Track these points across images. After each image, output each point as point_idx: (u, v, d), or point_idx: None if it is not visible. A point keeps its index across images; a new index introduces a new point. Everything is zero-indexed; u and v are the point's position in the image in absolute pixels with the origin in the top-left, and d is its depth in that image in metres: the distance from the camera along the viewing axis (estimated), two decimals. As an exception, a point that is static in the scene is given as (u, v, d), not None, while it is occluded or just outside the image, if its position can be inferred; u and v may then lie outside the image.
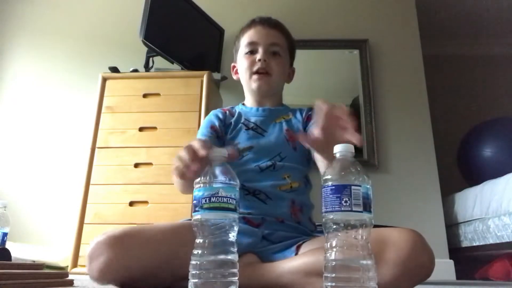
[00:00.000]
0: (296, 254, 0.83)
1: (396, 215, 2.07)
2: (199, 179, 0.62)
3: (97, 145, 1.84)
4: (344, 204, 0.54)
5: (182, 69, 2.06)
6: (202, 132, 1.07)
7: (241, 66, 1.12)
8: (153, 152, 1.81)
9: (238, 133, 1.08)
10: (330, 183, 0.56)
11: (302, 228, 0.95)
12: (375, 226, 0.62)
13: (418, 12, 2.55)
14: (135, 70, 1.99)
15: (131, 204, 1.73)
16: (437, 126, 2.41)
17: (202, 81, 1.90)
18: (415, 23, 2.51)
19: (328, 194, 0.56)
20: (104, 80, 1.95)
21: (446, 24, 3.13)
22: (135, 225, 0.79)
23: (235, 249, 0.61)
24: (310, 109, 1.09)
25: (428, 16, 2.82)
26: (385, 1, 2.57)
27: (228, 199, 0.60)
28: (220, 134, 1.07)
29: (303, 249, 0.84)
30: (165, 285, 0.78)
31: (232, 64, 1.21)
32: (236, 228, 0.62)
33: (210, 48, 2.31)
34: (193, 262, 0.59)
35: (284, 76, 1.14)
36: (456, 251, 2.16)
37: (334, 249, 0.54)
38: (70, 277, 0.84)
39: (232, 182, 0.62)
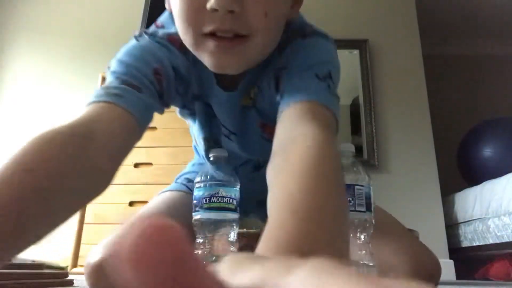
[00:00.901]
0: None
1: (395, 215, 2.06)
2: (199, 178, 0.62)
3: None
4: (348, 203, 0.54)
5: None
6: (128, 73, 0.53)
7: (176, 14, 0.53)
8: (153, 152, 1.81)
9: (207, 118, 0.68)
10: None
11: None
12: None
13: (418, 12, 2.55)
14: (135, 70, 1.98)
15: (131, 204, 1.73)
16: (437, 126, 2.41)
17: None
18: (415, 23, 2.51)
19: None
20: (104, 80, 1.95)
21: (446, 24, 3.13)
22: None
23: (235, 249, 0.61)
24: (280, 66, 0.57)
25: (428, 16, 2.82)
26: (385, 1, 2.57)
27: (228, 199, 0.60)
28: (163, 94, 0.57)
29: None
30: None
31: None
32: (236, 228, 0.62)
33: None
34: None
35: (281, 25, 0.55)
36: (456, 251, 2.16)
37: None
38: (70, 277, 0.84)
39: (232, 182, 0.62)
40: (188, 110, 0.70)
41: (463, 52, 3.31)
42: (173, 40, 0.58)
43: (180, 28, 0.53)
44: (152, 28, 0.61)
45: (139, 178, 1.77)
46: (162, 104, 0.59)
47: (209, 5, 0.47)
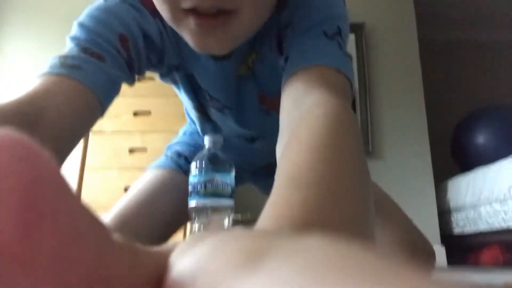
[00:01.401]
0: None
1: (389, 201, 2.09)
2: (194, 165, 0.62)
3: (91, 130, 1.83)
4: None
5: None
6: (90, 39, 0.46)
7: None
8: (148, 137, 1.80)
9: (192, 89, 0.62)
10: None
11: None
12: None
13: (416, -2, 2.53)
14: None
15: (126, 189, 1.73)
16: (432, 113, 2.42)
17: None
18: (412, 8, 2.49)
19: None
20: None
21: (443, 10, 3.11)
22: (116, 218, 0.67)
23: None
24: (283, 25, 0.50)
25: (425, 1, 2.79)
26: (382, -14, 2.54)
27: (224, 185, 0.60)
28: (133, 62, 0.50)
29: None
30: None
31: None
32: (231, 214, 0.62)
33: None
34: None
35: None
36: (448, 238, 2.19)
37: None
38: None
39: (227, 168, 0.62)
40: (168, 80, 0.62)
41: (459, 38, 3.30)
42: (146, 1, 0.50)
43: (161, 9, 0.44)
44: None
45: (134, 163, 1.77)
46: (132, 74, 0.51)
47: None
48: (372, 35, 2.44)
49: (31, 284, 0.08)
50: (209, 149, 0.64)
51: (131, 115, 1.83)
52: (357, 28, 2.42)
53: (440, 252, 2.03)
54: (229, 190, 0.61)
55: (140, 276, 0.12)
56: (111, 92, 0.47)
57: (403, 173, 2.20)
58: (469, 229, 2.09)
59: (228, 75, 0.57)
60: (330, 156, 0.28)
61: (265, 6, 0.45)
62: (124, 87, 0.50)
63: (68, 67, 0.42)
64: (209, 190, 0.60)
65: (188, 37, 0.44)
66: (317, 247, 0.09)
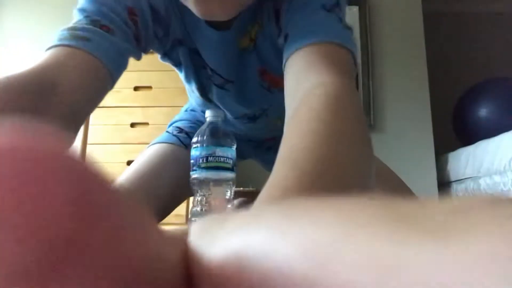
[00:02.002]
0: None
1: (390, 174, 2.10)
2: (196, 139, 0.63)
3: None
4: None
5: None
6: (98, 12, 0.46)
7: None
8: (149, 111, 1.80)
9: (195, 68, 0.62)
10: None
11: None
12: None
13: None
14: (129, 27, 1.94)
15: (129, 163, 1.75)
16: (435, 86, 2.40)
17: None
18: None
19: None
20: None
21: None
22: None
23: (232, 207, 0.63)
24: None
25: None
26: (386, -46, 2.47)
27: (225, 158, 0.61)
28: (140, 36, 0.51)
29: None
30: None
31: None
32: (233, 187, 0.63)
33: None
34: (193, 218, 0.61)
35: None
36: (447, 209, 2.22)
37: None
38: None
39: (229, 142, 0.63)
40: (170, 60, 0.62)
41: (463, 10, 3.23)
42: None
43: None
44: None
45: (136, 137, 1.78)
46: (139, 49, 0.52)
47: None
48: (375, 7, 2.40)
49: (86, 272, 0.08)
50: (210, 122, 0.64)
51: (132, 89, 1.83)
52: (361, 0, 2.37)
53: (439, 223, 2.06)
54: (230, 163, 0.62)
55: (171, 264, 0.12)
56: (120, 65, 0.47)
57: (404, 146, 2.21)
58: (468, 200, 2.11)
59: (229, 46, 0.57)
60: (329, 138, 0.28)
61: None
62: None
63: (79, 39, 0.42)
64: (211, 163, 0.61)
65: (192, 5, 0.44)
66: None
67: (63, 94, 0.38)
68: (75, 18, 0.46)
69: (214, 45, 0.57)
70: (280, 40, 0.49)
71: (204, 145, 0.61)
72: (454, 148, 2.33)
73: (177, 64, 0.63)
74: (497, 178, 1.90)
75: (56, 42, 0.42)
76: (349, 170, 0.26)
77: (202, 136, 0.62)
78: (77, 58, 0.41)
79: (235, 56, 0.58)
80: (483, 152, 2.02)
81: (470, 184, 2.09)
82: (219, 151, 0.61)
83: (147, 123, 1.79)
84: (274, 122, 0.71)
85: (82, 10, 0.46)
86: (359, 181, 0.27)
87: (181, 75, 0.66)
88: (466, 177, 2.13)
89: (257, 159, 0.89)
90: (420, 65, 2.33)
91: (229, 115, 0.71)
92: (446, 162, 2.32)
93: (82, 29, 0.43)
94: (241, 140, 0.73)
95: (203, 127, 0.64)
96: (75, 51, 0.41)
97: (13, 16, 2.42)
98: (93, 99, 0.44)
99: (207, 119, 0.65)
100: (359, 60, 2.31)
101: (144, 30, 0.51)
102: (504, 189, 1.84)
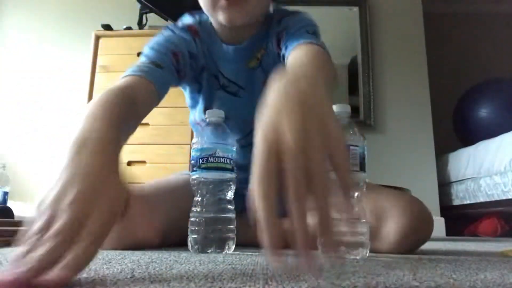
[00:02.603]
0: None
1: (391, 174, 2.10)
2: (196, 139, 0.63)
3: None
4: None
5: (177, 26, 2.01)
6: (154, 56, 0.74)
7: None
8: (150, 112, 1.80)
9: (211, 90, 0.83)
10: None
11: None
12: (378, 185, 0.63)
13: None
14: (129, 28, 1.94)
15: (129, 164, 1.75)
16: (435, 86, 2.40)
17: (197, 40, 1.86)
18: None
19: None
20: (98, 38, 1.91)
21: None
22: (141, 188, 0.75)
23: (233, 207, 0.63)
24: (283, 18, 0.79)
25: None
26: (387, -45, 2.47)
27: (225, 159, 0.61)
28: (180, 70, 0.77)
29: None
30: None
31: None
32: (233, 187, 0.63)
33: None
34: (192, 219, 0.61)
35: None
36: (447, 209, 2.22)
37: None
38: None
39: (229, 142, 0.63)
40: (197, 84, 0.84)
41: (464, 10, 3.23)
42: (190, 28, 0.81)
43: (202, 1, 0.74)
44: (180, 20, 0.84)
45: (136, 138, 1.76)
46: (179, 78, 0.77)
47: None
48: (375, 7, 2.40)
49: None
50: (211, 123, 0.64)
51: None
52: (360, 0, 2.37)
53: (439, 223, 2.06)
54: (230, 163, 0.62)
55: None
56: (165, 89, 0.72)
57: (404, 147, 2.21)
58: (468, 201, 2.11)
59: (242, 61, 0.81)
60: (311, 62, 0.56)
61: (264, 1, 0.76)
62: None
63: (143, 72, 0.67)
64: (211, 164, 0.61)
65: (220, 15, 0.72)
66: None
67: (140, 105, 0.62)
68: (140, 59, 0.73)
69: (230, 57, 0.81)
70: (281, 51, 0.75)
71: (205, 145, 0.61)
72: (454, 148, 2.33)
73: (198, 89, 0.84)
74: (497, 179, 1.90)
75: (129, 73, 0.66)
76: (328, 70, 0.55)
77: (203, 136, 0.62)
78: (142, 82, 0.66)
79: (245, 70, 0.81)
80: (483, 152, 2.02)
81: (471, 185, 2.09)
82: (220, 152, 0.61)
83: (147, 124, 1.78)
84: None
85: (145, 55, 0.73)
86: (330, 73, 0.55)
87: (188, 97, 0.87)
88: (466, 177, 2.13)
89: None
90: (420, 65, 2.33)
91: (236, 136, 0.81)
92: (446, 162, 2.32)
93: (144, 65, 0.69)
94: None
95: (204, 128, 0.64)
96: (141, 78, 0.66)
97: (13, 16, 2.43)
98: (149, 108, 0.68)
99: (207, 120, 0.65)
100: (359, 61, 2.31)
101: (183, 64, 0.77)
102: (505, 189, 1.84)
